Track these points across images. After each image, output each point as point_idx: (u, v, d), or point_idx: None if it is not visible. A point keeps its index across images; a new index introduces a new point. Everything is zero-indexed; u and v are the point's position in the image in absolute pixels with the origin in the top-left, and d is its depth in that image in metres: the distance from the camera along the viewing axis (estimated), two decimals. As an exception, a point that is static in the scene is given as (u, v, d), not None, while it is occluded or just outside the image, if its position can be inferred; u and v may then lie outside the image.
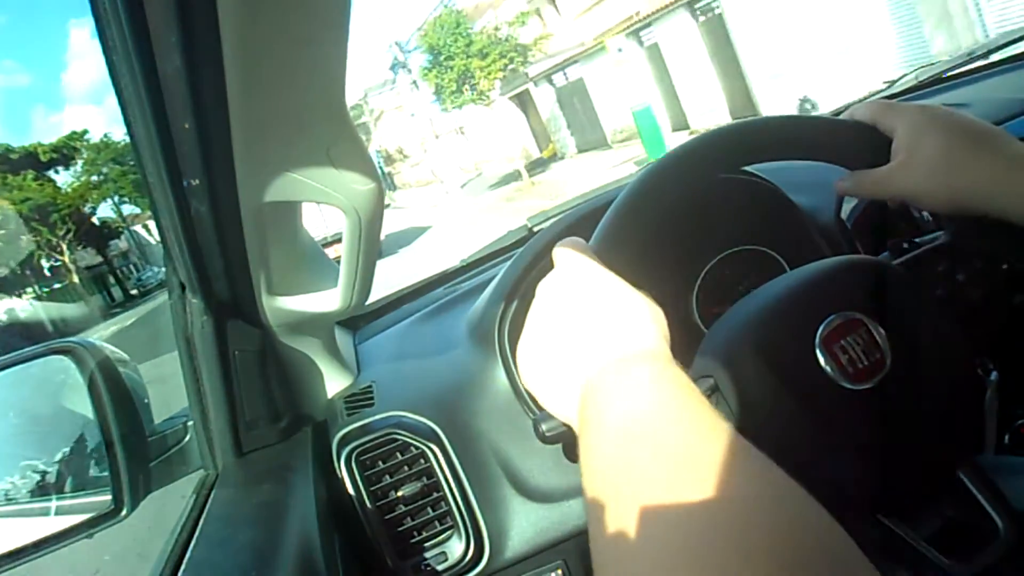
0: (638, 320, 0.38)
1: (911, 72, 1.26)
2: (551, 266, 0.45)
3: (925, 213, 0.69)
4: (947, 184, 0.49)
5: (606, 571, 0.29)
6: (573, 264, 0.43)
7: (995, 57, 1.19)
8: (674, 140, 10.53)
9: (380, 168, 34.74)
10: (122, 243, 40.20)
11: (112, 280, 36.24)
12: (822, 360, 0.45)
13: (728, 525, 0.26)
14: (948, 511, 0.48)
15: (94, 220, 34.54)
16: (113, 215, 37.76)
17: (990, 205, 0.48)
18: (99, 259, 35.15)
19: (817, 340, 0.45)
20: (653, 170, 0.51)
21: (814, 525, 0.27)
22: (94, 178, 33.34)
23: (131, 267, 41.44)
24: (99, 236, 34.43)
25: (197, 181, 0.49)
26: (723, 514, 0.26)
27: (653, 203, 0.50)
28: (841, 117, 0.56)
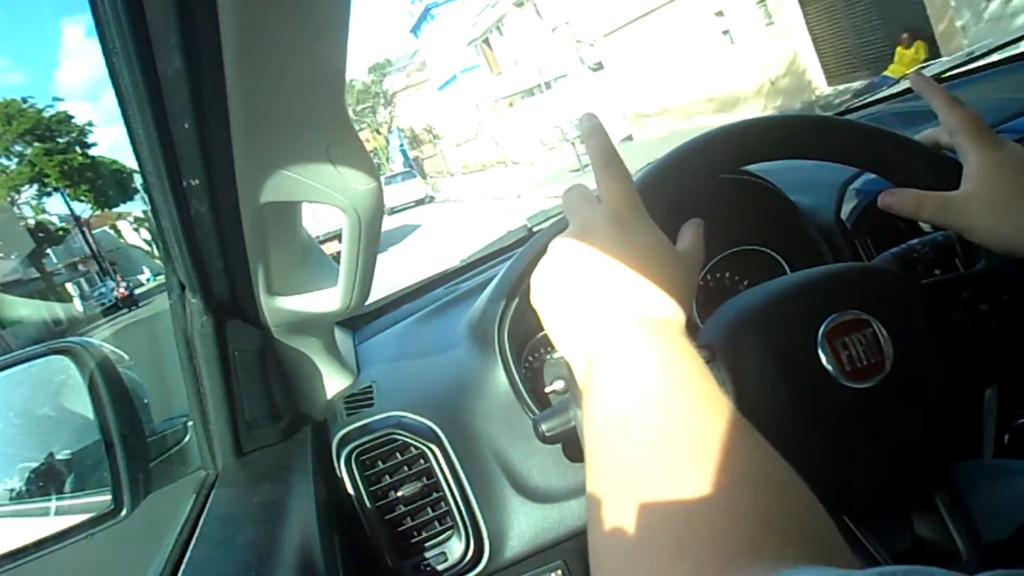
0: (664, 279, 0.37)
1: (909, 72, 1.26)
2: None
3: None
4: (1012, 224, 0.48)
5: (602, 545, 0.30)
6: (616, 198, 0.41)
7: (995, 57, 1.18)
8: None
9: (403, 152, 30.89)
10: (87, 249, 29.54)
11: (52, 297, 24.65)
12: (822, 353, 0.45)
13: (721, 506, 0.27)
14: (919, 531, 0.48)
15: (17, 221, 24.26)
16: (50, 213, 26.41)
17: None
18: (34, 274, 24.32)
19: (820, 333, 0.45)
20: (696, 145, 0.51)
21: (806, 506, 0.28)
22: (4, 161, 23.21)
23: (84, 282, 30.78)
24: (29, 242, 23.45)
25: (197, 181, 0.49)
26: (720, 495, 0.27)
27: (697, 179, 0.50)
28: (917, 137, 0.55)
